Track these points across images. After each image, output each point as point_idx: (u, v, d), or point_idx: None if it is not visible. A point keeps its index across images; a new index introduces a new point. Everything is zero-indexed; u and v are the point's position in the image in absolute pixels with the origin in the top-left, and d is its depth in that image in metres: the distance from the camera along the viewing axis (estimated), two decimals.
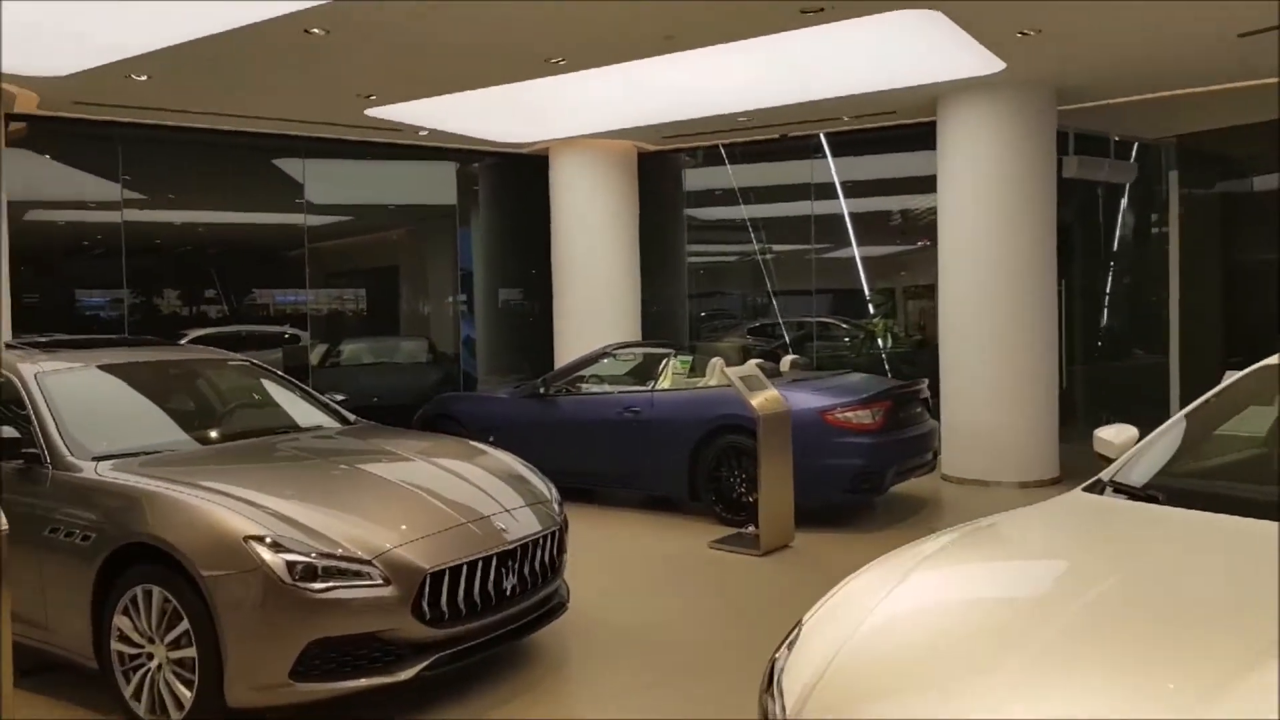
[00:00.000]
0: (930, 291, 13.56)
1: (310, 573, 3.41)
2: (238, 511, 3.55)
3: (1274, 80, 8.00)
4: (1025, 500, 3.38)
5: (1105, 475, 3.16)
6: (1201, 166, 10.67)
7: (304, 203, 11.13)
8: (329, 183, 11.60)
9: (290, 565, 3.39)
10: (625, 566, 6.10)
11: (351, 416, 5.28)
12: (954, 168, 8.39)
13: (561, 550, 4.35)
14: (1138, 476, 3.08)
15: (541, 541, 4.11)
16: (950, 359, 8.44)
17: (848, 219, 12.34)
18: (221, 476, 3.93)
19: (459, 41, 6.55)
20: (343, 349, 12.66)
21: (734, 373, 6.24)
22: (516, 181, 12.28)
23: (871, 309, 12.68)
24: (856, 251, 12.52)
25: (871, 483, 6.60)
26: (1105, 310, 11.79)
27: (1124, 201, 11.44)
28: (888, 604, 2.40)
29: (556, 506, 4.42)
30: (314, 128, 9.41)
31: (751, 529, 6.51)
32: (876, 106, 8.85)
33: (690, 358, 8.00)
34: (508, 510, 4.06)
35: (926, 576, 2.56)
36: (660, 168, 12.11)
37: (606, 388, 8.27)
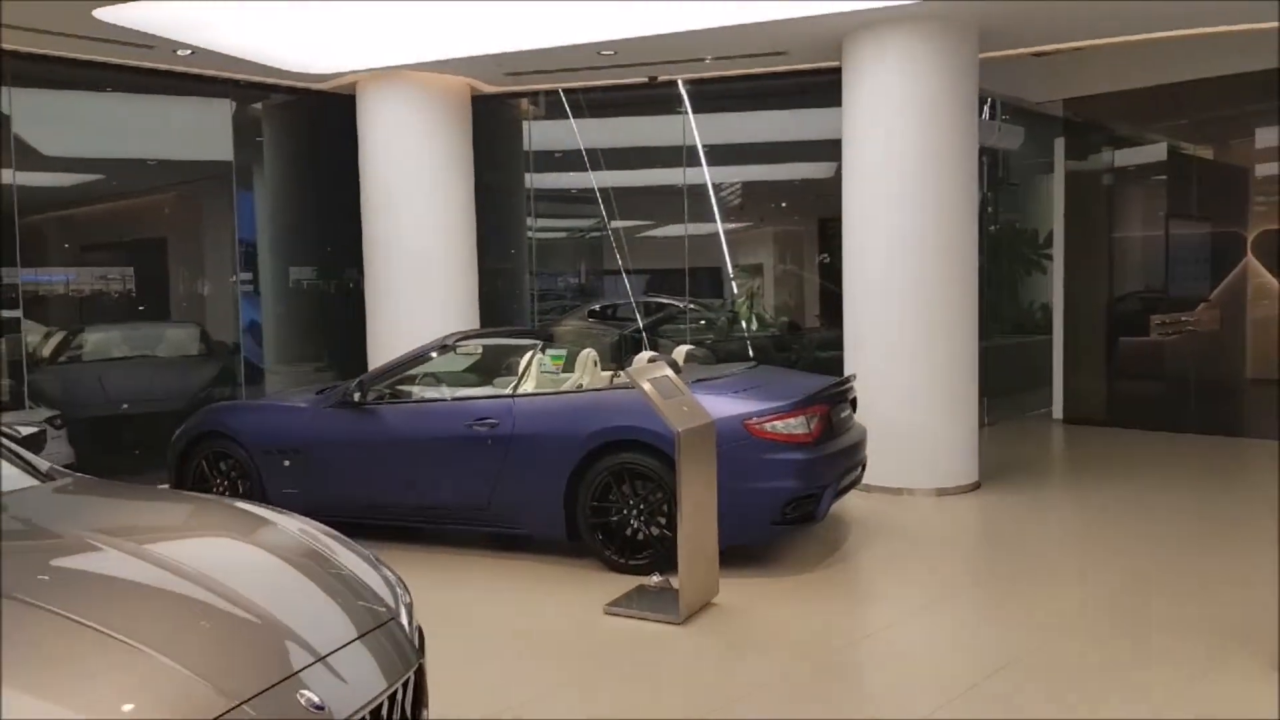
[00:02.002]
0: (799, 271, 12.42)
1: None
2: None
3: (1183, 33, 7.13)
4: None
5: None
6: (1089, 133, 9.92)
7: (13, 153, 8.38)
8: (58, 126, 8.89)
9: None
10: (488, 660, 4.27)
11: (45, 465, 3.17)
12: (862, 122, 7.00)
13: (420, 705, 2.49)
14: None
15: (387, 706, 2.25)
16: (856, 348, 7.10)
17: (711, 188, 10.88)
18: None
19: None
20: (85, 340, 9.92)
21: (640, 374, 4.53)
22: (313, 127, 9.98)
23: (735, 288, 11.32)
24: (720, 226, 11.10)
25: (807, 509, 5.08)
26: (987, 286, 10.98)
27: (1006, 170, 10.61)
28: None
29: (407, 624, 2.56)
30: (23, 38, 6.85)
31: (658, 578, 4.86)
32: (768, 43, 7.35)
33: (563, 352, 6.23)
34: (322, 657, 2.17)
35: None
36: (498, 120, 10.18)
37: (448, 392, 6.36)
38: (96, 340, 9.91)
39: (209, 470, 6.32)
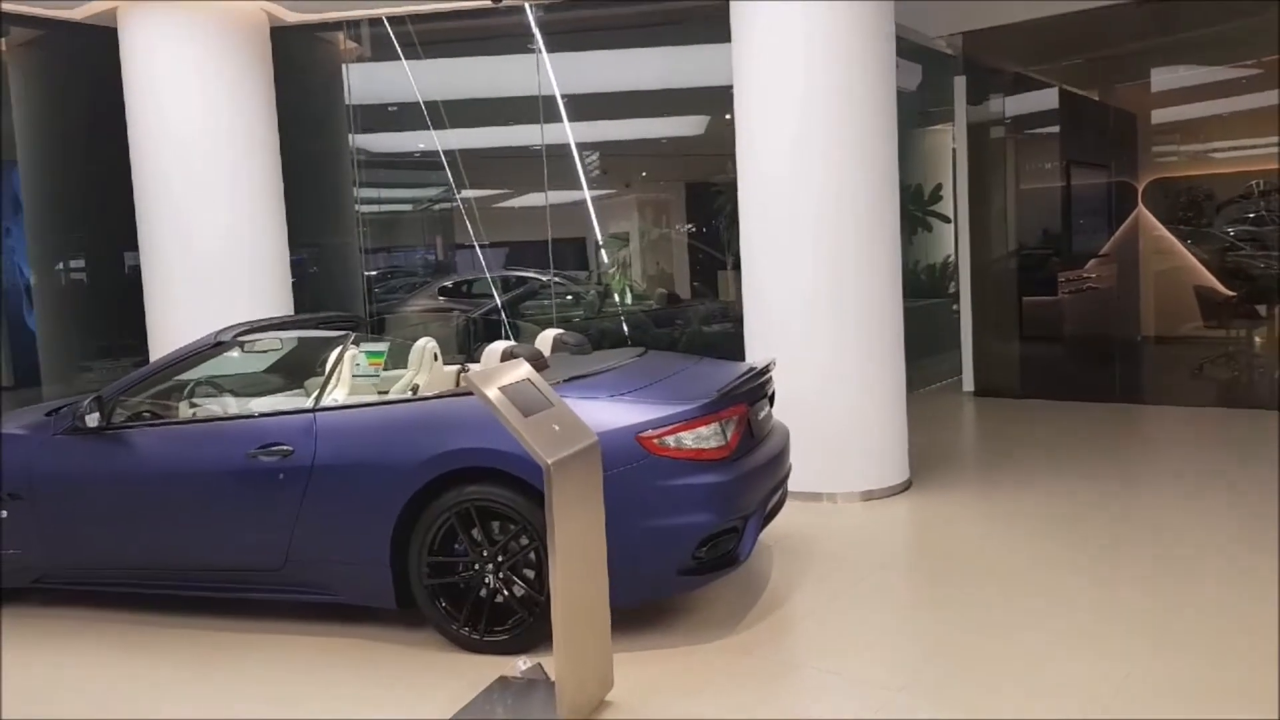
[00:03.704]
0: (671, 240, 11.11)
1: None
2: None
3: None
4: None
5: None
6: (990, 74, 8.96)
7: None
8: None
9: None
10: None
11: None
12: (759, 60, 5.65)
13: None
14: None
15: None
16: (760, 326, 5.82)
17: (575, 149, 9.43)
18: None
19: None
20: None
21: (487, 381, 3.05)
22: (71, 72, 7.96)
23: (605, 259, 9.93)
24: (586, 191, 9.67)
25: (725, 549, 3.75)
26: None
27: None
28: None
29: None
30: None
31: (526, 663, 3.43)
32: None
33: (383, 346, 4.66)
34: None
35: None
36: (310, 62, 8.41)
37: (226, 407, 4.73)
38: None
39: None
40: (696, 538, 3.61)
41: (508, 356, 4.12)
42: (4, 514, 4.36)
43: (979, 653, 3.54)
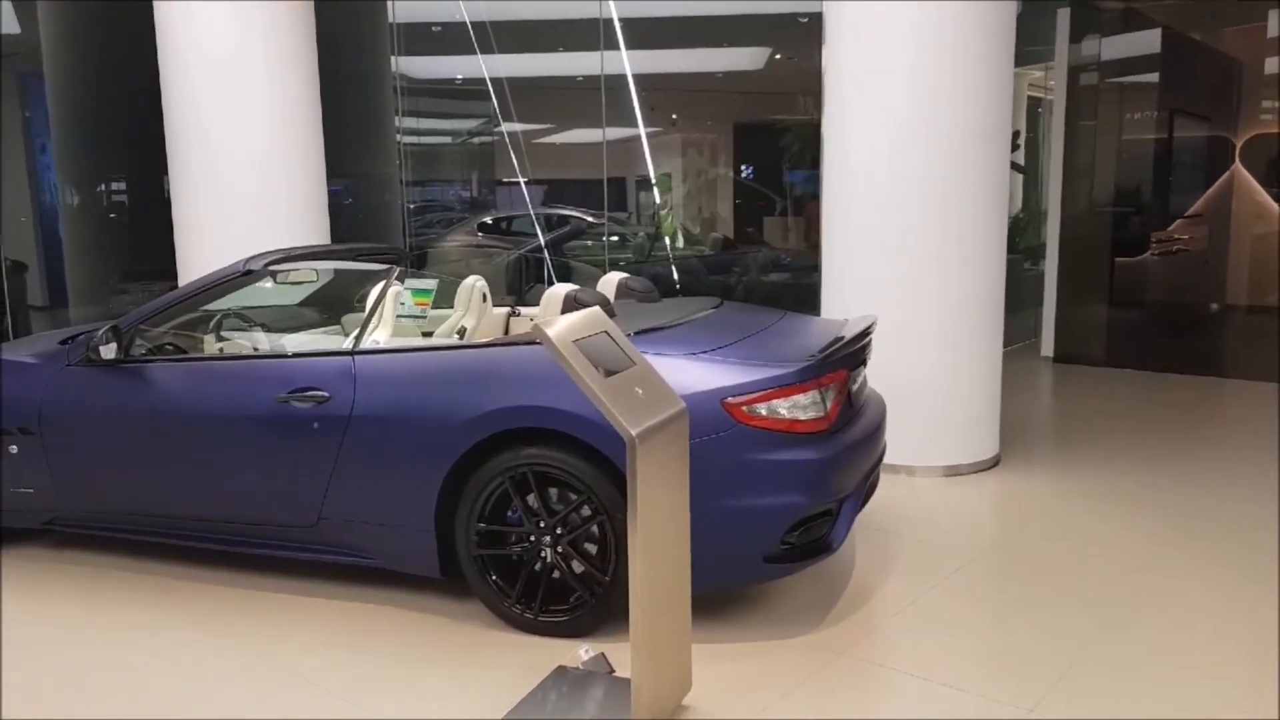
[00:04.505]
0: (721, 181, 10.49)
1: None
2: None
3: None
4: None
5: None
6: (1092, 10, 8.20)
7: None
8: None
9: None
10: None
11: None
12: None
13: None
14: None
15: None
16: (840, 280, 5.27)
17: (630, 79, 8.82)
18: None
19: None
20: None
21: (560, 331, 2.56)
22: None
23: (658, 197, 9.35)
24: (642, 127, 9.07)
25: (818, 535, 3.27)
26: None
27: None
28: None
29: None
30: None
31: (588, 653, 3.00)
32: None
33: (431, 283, 4.17)
34: None
35: None
36: None
37: (256, 343, 4.30)
38: None
39: None
40: (787, 521, 3.13)
41: (571, 303, 3.62)
42: (14, 449, 3.98)
43: (1105, 663, 3.05)
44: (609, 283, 4.29)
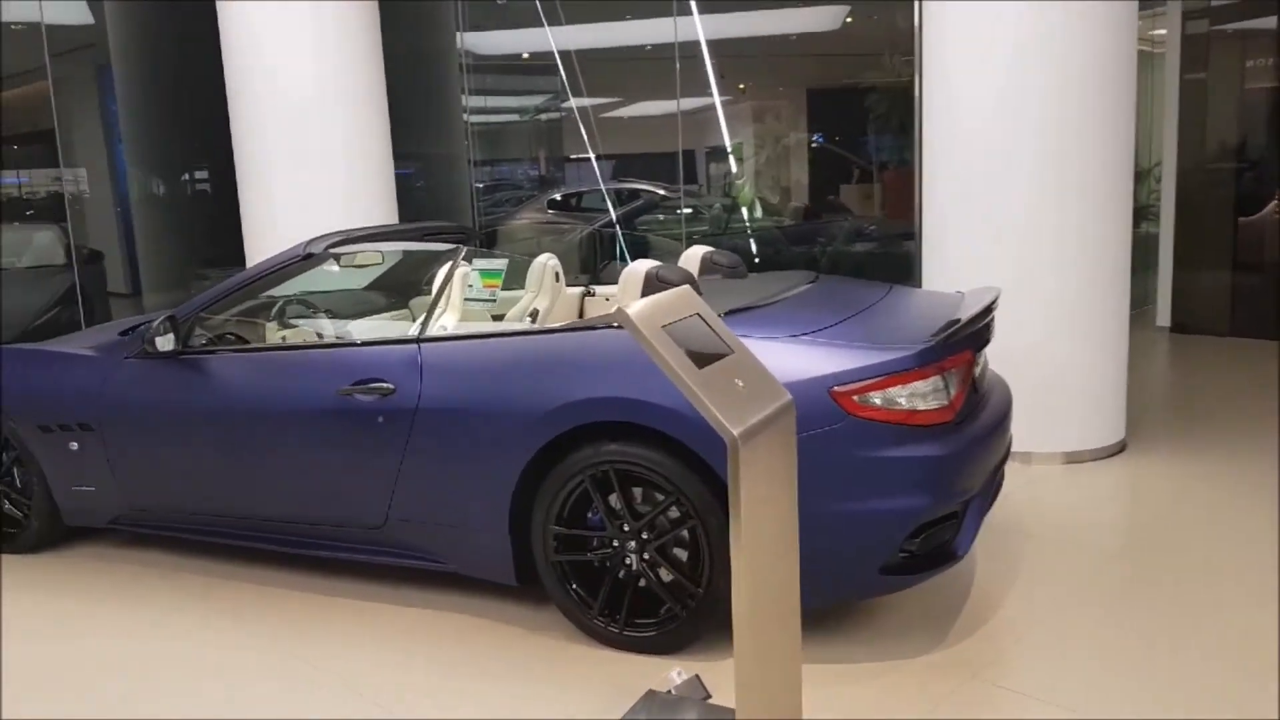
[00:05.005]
0: (800, 146, 9.98)
1: None
2: None
3: None
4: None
5: None
6: None
7: None
8: None
9: None
10: None
11: None
12: None
13: None
14: None
15: None
16: (945, 256, 4.80)
17: (704, 45, 8.39)
18: None
19: None
20: None
21: (644, 315, 2.21)
22: None
23: (734, 166, 8.91)
24: (716, 94, 8.64)
25: (942, 541, 2.87)
26: None
27: None
28: None
29: None
30: None
31: (680, 676, 2.67)
32: None
33: (500, 263, 3.86)
34: None
35: None
36: None
37: (320, 330, 4.06)
38: None
39: None
40: (908, 527, 2.74)
41: (653, 281, 3.27)
42: (74, 445, 3.81)
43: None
44: (692, 258, 3.92)
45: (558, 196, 10.47)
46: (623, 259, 8.70)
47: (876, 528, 2.73)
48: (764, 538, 2.25)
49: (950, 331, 2.87)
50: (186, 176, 8.90)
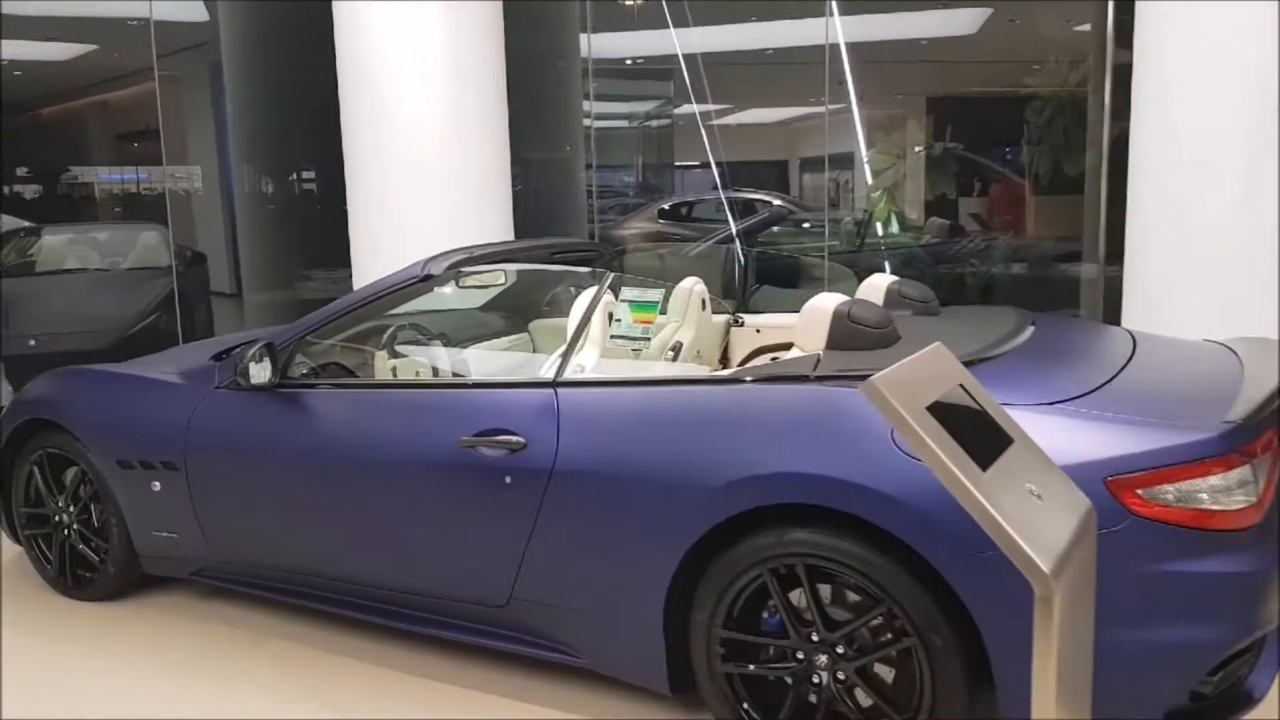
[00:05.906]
0: (943, 157, 9.22)
1: None
2: None
3: None
4: None
5: None
6: None
7: None
8: None
9: None
10: None
11: None
12: None
13: None
14: None
15: None
16: (1151, 286, 4.04)
17: (843, 47, 7.75)
18: None
19: None
20: (41, 243, 7.71)
21: (895, 382, 1.59)
22: None
23: (870, 178, 8.20)
24: (854, 99, 7.97)
25: (1236, 678, 2.17)
26: None
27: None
28: None
29: None
30: None
31: None
32: None
33: (656, 294, 3.29)
34: None
35: None
36: None
37: (435, 361, 3.55)
38: (52, 244, 7.64)
39: (46, 486, 3.65)
40: (1205, 663, 2.06)
41: (844, 321, 2.62)
42: (157, 485, 3.37)
43: None
44: (874, 288, 3.25)
45: (667, 206, 9.97)
46: (744, 283, 8.11)
47: (1166, 662, 2.06)
48: (1059, 683, 1.60)
49: (1260, 406, 2.17)
50: (294, 176, 8.68)
